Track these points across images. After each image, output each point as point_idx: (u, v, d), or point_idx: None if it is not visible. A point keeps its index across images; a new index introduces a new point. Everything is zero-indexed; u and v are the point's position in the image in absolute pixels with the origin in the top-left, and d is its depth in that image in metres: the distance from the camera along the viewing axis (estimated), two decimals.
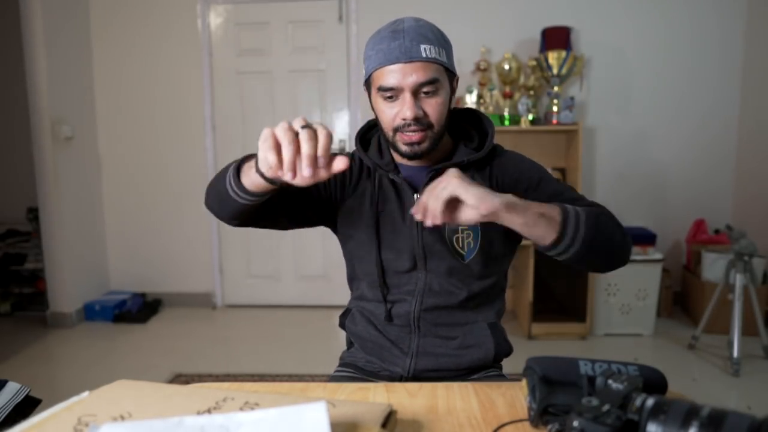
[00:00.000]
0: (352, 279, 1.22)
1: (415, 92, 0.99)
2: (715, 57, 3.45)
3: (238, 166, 0.92)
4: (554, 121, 3.24)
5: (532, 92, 3.37)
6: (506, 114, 3.31)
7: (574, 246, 0.89)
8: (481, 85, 3.38)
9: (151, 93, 3.71)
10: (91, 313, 3.56)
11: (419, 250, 1.08)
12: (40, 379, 2.65)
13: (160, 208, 3.80)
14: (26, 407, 0.76)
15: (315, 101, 3.66)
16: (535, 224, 0.86)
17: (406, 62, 0.97)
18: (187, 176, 3.75)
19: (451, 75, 1.05)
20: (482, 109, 3.36)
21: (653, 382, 0.68)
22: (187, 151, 3.73)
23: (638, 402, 0.57)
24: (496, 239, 1.09)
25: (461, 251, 1.07)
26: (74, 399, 0.68)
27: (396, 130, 1.02)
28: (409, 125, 1.00)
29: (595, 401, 0.57)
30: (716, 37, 3.43)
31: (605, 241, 0.93)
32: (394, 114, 1.01)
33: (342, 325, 1.21)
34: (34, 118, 3.30)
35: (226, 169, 0.96)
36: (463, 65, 3.48)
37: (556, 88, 3.27)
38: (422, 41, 0.98)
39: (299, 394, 0.84)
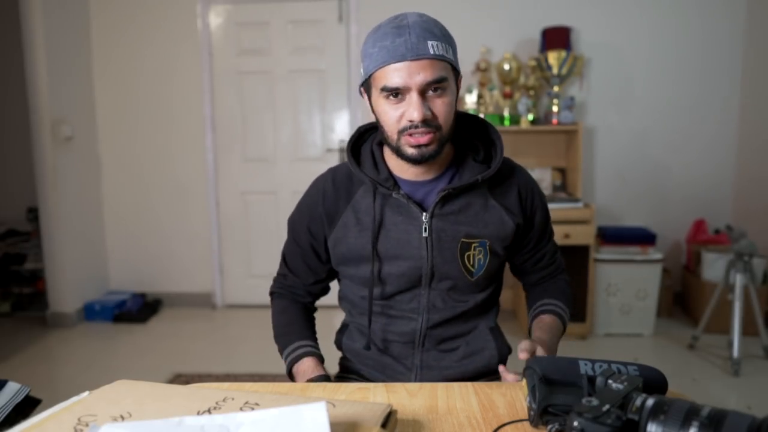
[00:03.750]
0: (342, 298, 1.17)
1: (423, 92, 0.93)
2: (715, 57, 3.44)
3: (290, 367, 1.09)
4: (554, 121, 3.24)
5: (532, 92, 3.37)
6: (506, 114, 3.31)
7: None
8: (481, 85, 3.38)
9: (151, 93, 3.71)
10: (91, 313, 3.55)
11: (427, 270, 1.04)
12: (40, 379, 2.65)
13: (160, 208, 3.80)
14: (26, 407, 0.76)
15: (315, 101, 3.66)
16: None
17: (412, 59, 0.90)
18: (187, 176, 3.75)
19: (456, 73, 0.99)
20: (482, 110, 3.36)
21: (653, 382, 0.68)
22: (187, 151, 3.73)
23: (638, 402, 0.57)
24: (499, 248, 1.07)
25: (471, 269, 1.05)
26: (74, 399, 0.68)
27: (401, 132, 0.95)
28: (417, 127, 0.93)
29: (595, 401, 0.57)
30: (716, 37, 3.43)
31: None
32: (400, 115, 0.94)
33: (338, 343, 1.18)
34: (34, 118, 3.30)
35: (281, 343, 1.13)
36: (463, 65, 3.44)
37: (556, 88, 3.27)
38: (429, 37, 0.92)
39: (299, 394, 0.84)
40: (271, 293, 1.22)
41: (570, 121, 3.21)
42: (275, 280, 1.22)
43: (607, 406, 0.56)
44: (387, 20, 0.96)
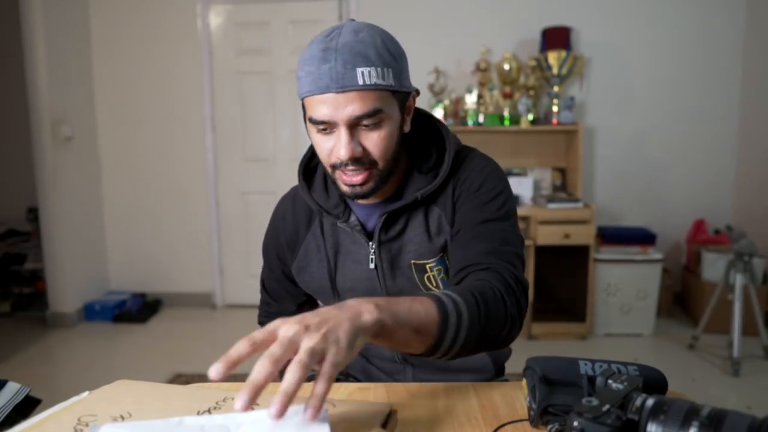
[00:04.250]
0: None
1: (353, 125, 0.82)
2: (715, 57, 3.44)
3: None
4: (554, 121, 3.24)
5: (532, 92, 3.37)
6: (506, 114, 3.31)
7: (448, 355, 0.73)
8: (481, 85, 3.38)
9: (151, 93, 3.71)
10: (91, 313, 3.55)
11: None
12: (40, 379, 2.65)
13: (160, 208, 3.80)
14: (26, 407, 0.76)
15: None
16: (405, 343, 0.67)
17: (338, 92, 0.79)
18: (187, 176, 3.75)
19: (404, 95, 0.87)
20: (482, 110, 3.35)
21: (653, 382, 0.68)
22: (187, 151, 3.73)
23: (638, 402, 0.57)
24: None
25: (435, 290, 0.94)
26: (74, 399, 0.68)
27: (333, 167, 0.86)
28: (347, 165, 0.83)
29: (595, 401, 0.57)
30: (716, 37, 3.43)
31: (486, 339, 0.76)
32: (329, 149, 0.84)
33: None
34: (34, 118, 3.30)
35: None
36: (463, 65, 3.48)
37: (556, 88, 3.27)
38: (360, 63, 0.79)
39: (299, 394, 0.83)
40: (260, 323, 1.18)
41: (570, 121, 3.21)
42: (260, 308, 1.18)
43: (607, 406, 0.56)
44: (319, 36, 0.83)
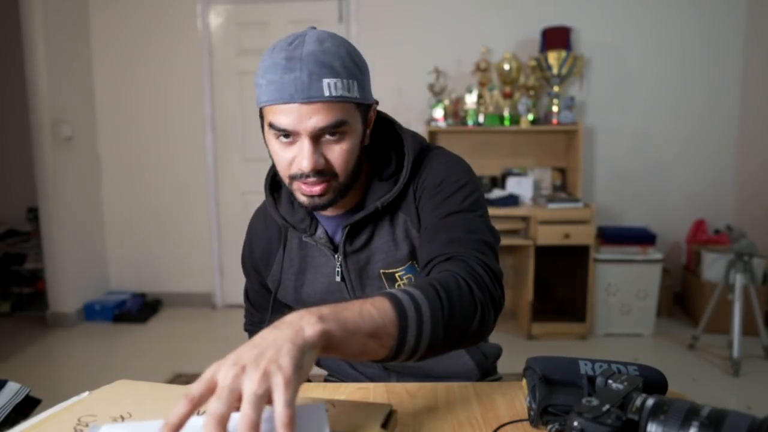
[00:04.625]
0: None
1: (317, 137, 0.81)
2: (715, 57, 3.44)
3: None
4: (554, 121, 3.24)
5: (532, 92, 3.37)
6: (506, 114, 3.31)
7: (415, 356, 0.67)
8: (481, 85, 3.38)
9: (151, 93, 3.71)
10: (91, 313, 3.55)
11: None
12: (40, 379, 2.65)
13: (160, 208, 3.80)
14: (26, 407, 0.76)
15: None
16: (363, 350, 0.61)
17: (303, 102, 0.78)
18: (187, 176, 3.75)
19: (366, 108, 0.86)
20: (482, 110, 3.35)
21: (653, 382, 0.68)
22: (187, 151, 3.73)
23: (638, 402, 0.57)
24: None
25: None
26: (74, 399, 0.68)
27: (292, 178, 0.84)
28: (308, 176, 0.82)
29: (595, 401, 0.57)
30: (716, 36, 3.43)
31: (455, 333, 0.70)
32: (290, 159, 0.83)
33: (317, 362, 1.17)
34: (34, 118, 3.30)
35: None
36: (463, 65, 3.48)
37: (556, 88, 3.27)
38: (325, 74, 0.78)
39: (299, 394, 0.83)
40: (246, 330, 1.21)
41: (570, 121, 3.21)
42: (245, 317, 1.20)
43: (607, 406, 0.56)
44: (283, 42, 0.81)
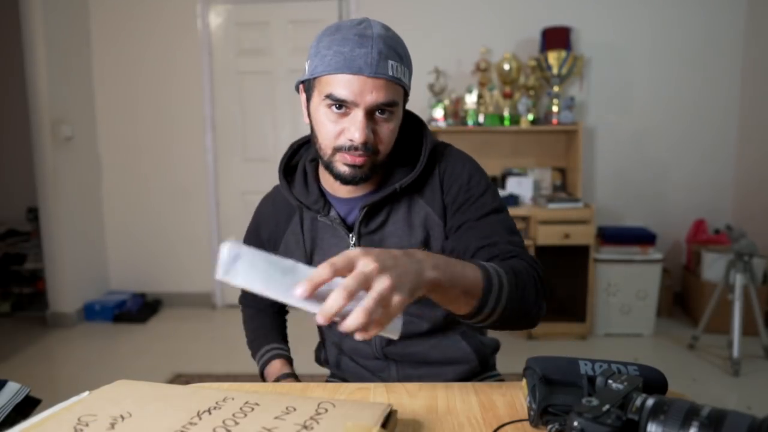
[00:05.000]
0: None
1: (370, 112, 0.85)
2: (715, 56, 3.44)
3: (262, 368, 1.12)
4: (554, 121, 3.24)
5: (532, 92, 3.37)
6: (506, 114, 3.31)
7: (488, 320, 0.77)
8: (481, 85, 3.38)
9: (151, 93, 3.71)
10: (91, 313, 3.55)
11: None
12: (40, 379, 2.65)
13: (160, 208, 3.80)
14: (26, 407, 0.76)
15: None
16: (454, 301, 0.72)
17: (369, 76, 0.83)
18: (187, 176, 3.75)
19: (406, 97, 0.93)
20: (482, 110, 3.35)
21: (653, 382, 0.68)
22: (187, 151, 3.73)
23: (638, 402, 0.57)
24: (438, 250, 0.97)
25: None
26: (74, 399, 0.68)
27: (337, 149, 0.88)
28: (356, 148, 0.86)
29: (595, 401, 0.57)
30: (716, 36, 3.43)
31: (521, 312, 0.81)
32: (339, 131, 0.87)
33: (318, 361, 1.16)
34: (34, 118, 3.30)
35: (253, 348, 1.18)
36: (463, 65, 3.48)
37: (556, 88, 3.27)
38: (391, 56, 0.84)
39: (299, 394, 0.84)
40: (240, 302, 1.24)
41: (570, 121, 3.21)
42: (242, 291, 1.20)
43: (607, 406, 0.56)
44: (348, 23, 0.87)
